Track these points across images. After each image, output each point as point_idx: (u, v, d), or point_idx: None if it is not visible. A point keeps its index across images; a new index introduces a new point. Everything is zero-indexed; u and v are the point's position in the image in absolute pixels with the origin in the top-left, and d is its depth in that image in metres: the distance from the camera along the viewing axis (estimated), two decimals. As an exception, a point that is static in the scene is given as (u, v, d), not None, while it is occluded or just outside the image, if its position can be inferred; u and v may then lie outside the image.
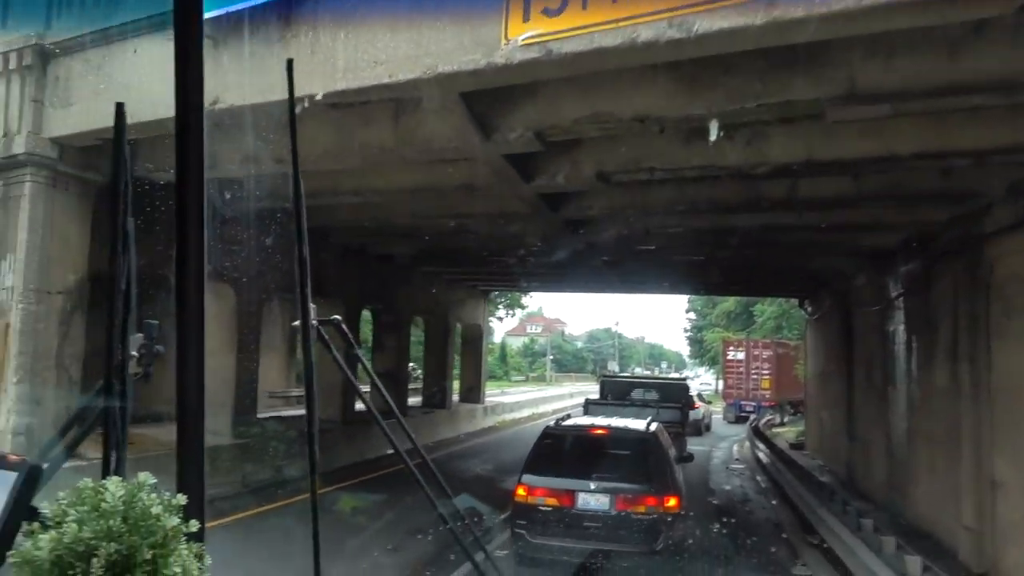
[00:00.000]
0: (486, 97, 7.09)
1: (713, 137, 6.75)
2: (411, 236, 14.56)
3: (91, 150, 9.57)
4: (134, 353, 1.31)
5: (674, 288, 24.91)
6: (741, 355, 31.52)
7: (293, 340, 21.68)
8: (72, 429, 1.34)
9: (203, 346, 1.24)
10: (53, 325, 9.61)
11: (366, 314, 20.02)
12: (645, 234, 11.95)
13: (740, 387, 31.40)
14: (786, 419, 29.42)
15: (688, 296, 47.14)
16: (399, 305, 19.12)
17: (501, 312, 40.55)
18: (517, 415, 28.33)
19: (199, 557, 1.10)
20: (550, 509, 7.33)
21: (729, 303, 41.43)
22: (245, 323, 13.03)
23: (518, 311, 44.88)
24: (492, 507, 8.79)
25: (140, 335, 1.33)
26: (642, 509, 7.26)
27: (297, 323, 1.44)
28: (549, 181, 8.93)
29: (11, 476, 1.08)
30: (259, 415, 13.73)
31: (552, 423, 8.92)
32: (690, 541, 8.01)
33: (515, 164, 8.50)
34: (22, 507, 1.07)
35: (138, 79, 8.12)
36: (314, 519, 1.34)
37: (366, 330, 21.70)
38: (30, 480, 1.08)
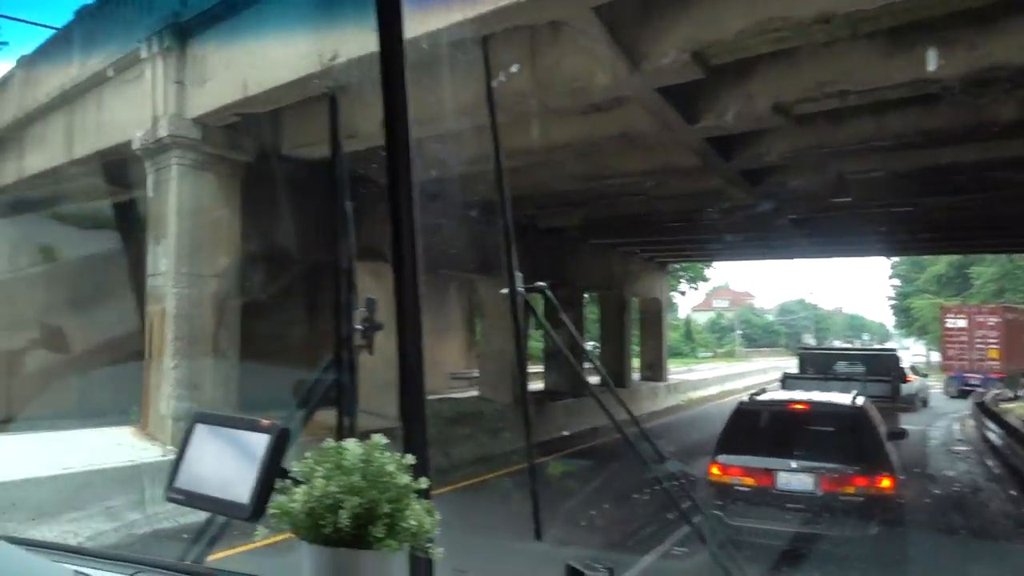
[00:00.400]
0: (629, 13, 6.80)
1: (925, 44, 6.09)
2: (577, 205, 14.70)
3: (233, 128, 10.46)
4: (358, 327, 1.54)
5: (875, 249, 23.52)
6: (963, 323, 30.58)
7: (472, 320, 22.91)
8: (307, 398, 1.60)
9: (420, 320, 1.43)
10: (208, 309, 10.63)
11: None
12: (837, 182, 11.31)
13: (963, 358, 30.40)
14: (1019, 393, 27.35)
15: (891, 259, 44.92)
16: (571, 281, 19.60)
17: (683, 286, 41.60)
18: (703, 393, 28.40)
19: (429, 512, 1.31)
20: (748, 489, 7.42)
21: (939, 265, 39.67)
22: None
23: (701, 284, 45.90)
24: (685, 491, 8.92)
25: (363, 310, 1.55)
26: (851, 490, 7.14)
27: (505, 291, 1.62)
28: (717, 120, 8.57)
29: (265, 438, 1.33)
30: (431, 396, 14.45)
31: (746, 398, 8.95)
32: (909, 530, 7.72)
33: (674, 101, 8.24)
34: (275, 465, 1.31)
35: (263, 47, 8.83)
36: (532, 481, 1.52)
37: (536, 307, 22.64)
38: (281, 441, 1.32)
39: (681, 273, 37.39)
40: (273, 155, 10.52)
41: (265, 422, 1.36)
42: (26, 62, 13.16)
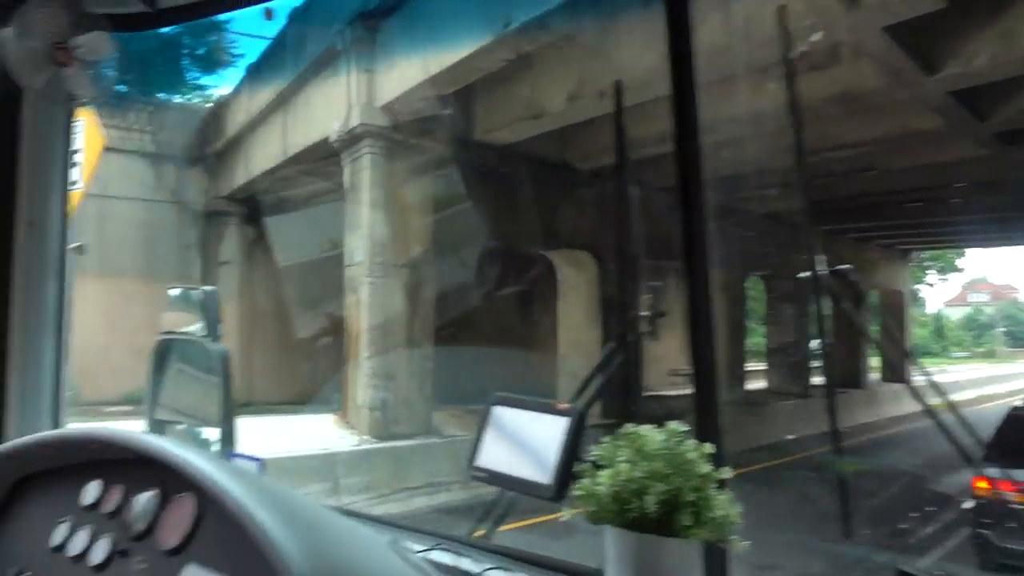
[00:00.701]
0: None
1: None
2: (796, 185, 14.15)
3: (423, 115, 11.00)
4: (644, 313, 1.66)
5: None
6: None
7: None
8: (591, 381, 1.74)
9: (711, 312, 1.51)
10: (400, 299, 11.33)
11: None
12: None
13: None
14: None
15: None
16: (794, 271, 19.13)
17: (931, 278, 40.30)
18: (956, 397, 26.71)
19: (730, 503, 1.39)
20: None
21: None
22: (611, 293, 13.68)
23: (953, 276, 43.61)
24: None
25: (648, 296, 1.67)
26: None
27: (804, 275, 1.67)
28: (965, 67, 7.81)
29: (563, 421, 1.46)
30: (646, 393, 14.70)
31: (1020, 403, 8.48)
32: None
33: (907, 45, 7.61)
34: (576, 448, 1.45)
35: (441, 24, 9.20)
36: (840, 478, 1.57)
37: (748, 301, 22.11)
38: (580, 424, 1.46)
39: (929, 263, 35.83)
40: (465, 141, 10.99)
41: (562, 405, 1.50)
42: (252, 70, 15.01)
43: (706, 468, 1.37)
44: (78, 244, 1.90)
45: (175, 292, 1.94)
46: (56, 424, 1.95)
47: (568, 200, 12.19)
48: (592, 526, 1.41)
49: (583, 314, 13.12)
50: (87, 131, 7.98)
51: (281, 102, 13.14)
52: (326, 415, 11.65)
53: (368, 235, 11.28)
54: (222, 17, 13.03)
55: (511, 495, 1.77)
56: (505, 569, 1.60)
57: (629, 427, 1.44)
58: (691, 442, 1.40)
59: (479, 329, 12.30)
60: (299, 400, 12.06)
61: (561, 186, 12.04)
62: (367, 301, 11.24)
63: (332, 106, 11.49)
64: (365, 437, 10.86)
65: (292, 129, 12.99)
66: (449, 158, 11.29)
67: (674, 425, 1.42)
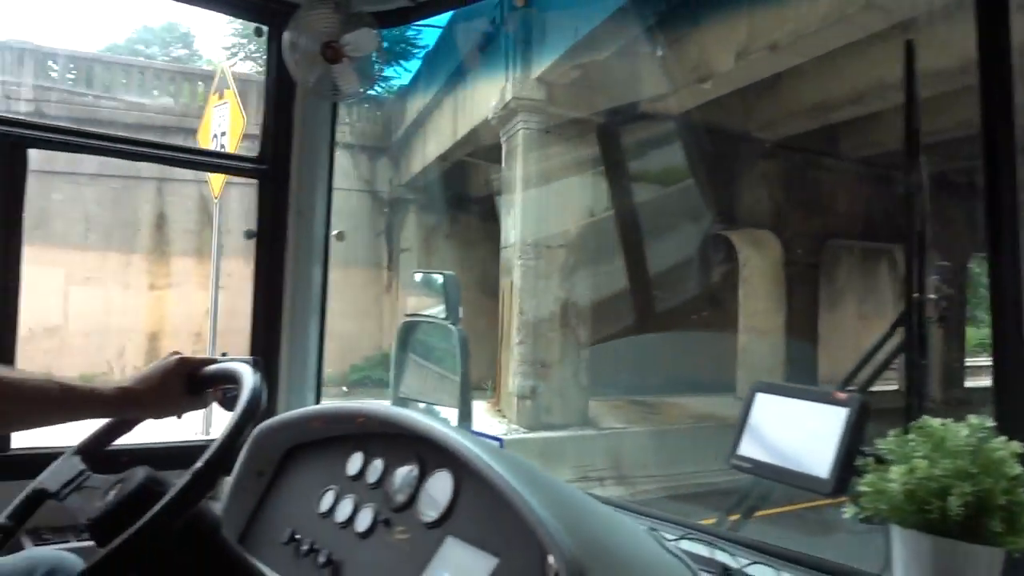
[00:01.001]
0: None
1: None
2: None
3: (580, 85, 10.84)
4: (931, 296, 1.59)
5: None
6: None
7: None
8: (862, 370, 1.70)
9: (1023, 290, 1.42)
10: (554, 282, 11.25)
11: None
12: None
13: None
14: None
15: None
16: None
17: None
18: None
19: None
20: None
21: None
22: (798, 276, 13.18)
23: None
24: None
25: (935, 277, 1.61)
26: None
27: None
28: None
29: (840, 411, 1.43)
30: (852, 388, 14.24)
31: None
32: None
33: None
34: (858, 441, 1.42)
35: None
36: None
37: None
38: (863, 416, 1.43)
39: None
40: (627, 112, 10.77)
41: (840, 394, 1.47)
42: (427, 58, 15.88)
43: (1017, 469, 1.31)
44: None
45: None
46: (318, 399, 2.13)
47: (749, 174, 11.72)
48: (862, 526, 1.37)
49: (766, 299, 12.81)
50: (231, 113, 8.45)
51: (451, 86, 13.53)
52: (481, 402, 11.82)
53: (520, 214, 11.27)
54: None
55: (767, 484, 1.75)
56: (770, 566, 1.58)
57: (926, 419, 1.39)
58: (999, 439, 1.34)
59: (645, 315, 12.07)
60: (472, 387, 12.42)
61: (740, 159, 11.68)
62: (519, 284, 11.23)
63: (494, 84, 11.58)
64: (514, 426, 10.92)
65: (461, 113, 13.27)
66: (610, 131, 11.12)
67: (976, 419, 1.37)
